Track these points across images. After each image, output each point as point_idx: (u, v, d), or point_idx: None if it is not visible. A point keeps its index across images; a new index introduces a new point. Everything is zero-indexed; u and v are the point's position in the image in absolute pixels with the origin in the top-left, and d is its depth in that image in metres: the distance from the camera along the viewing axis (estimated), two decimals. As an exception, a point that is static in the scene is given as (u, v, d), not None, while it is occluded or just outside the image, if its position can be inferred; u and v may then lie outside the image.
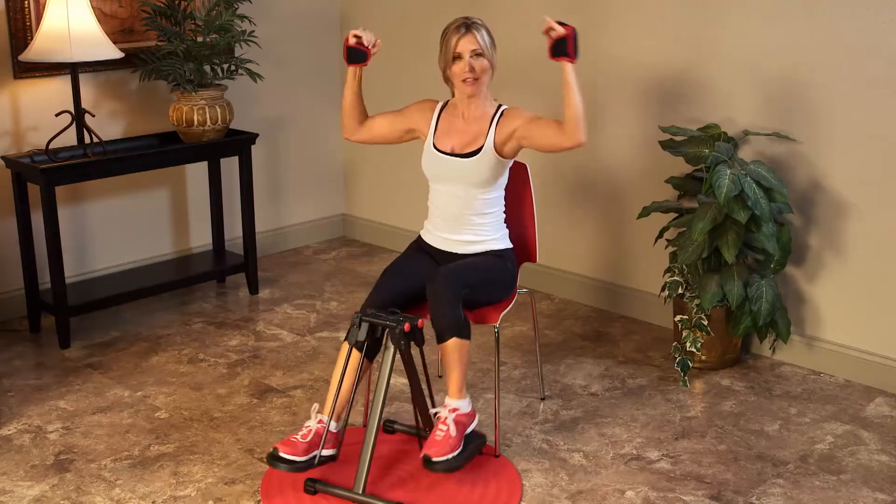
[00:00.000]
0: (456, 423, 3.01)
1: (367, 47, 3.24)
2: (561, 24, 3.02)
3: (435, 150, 3.28)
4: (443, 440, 2.96)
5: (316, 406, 3.08)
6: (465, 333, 3.04)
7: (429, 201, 3.38)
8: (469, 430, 3.07)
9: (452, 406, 3.04)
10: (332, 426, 3.04)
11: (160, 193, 4.77)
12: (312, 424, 3.03)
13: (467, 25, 3.19)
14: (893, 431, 3.42)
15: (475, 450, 3.07)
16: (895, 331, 3.68)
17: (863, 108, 3.60)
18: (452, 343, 3.02)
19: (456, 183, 3.26)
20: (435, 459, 2.91)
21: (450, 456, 2.93)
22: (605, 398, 3.66)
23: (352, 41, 3.24)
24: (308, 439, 2.99)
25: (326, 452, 3.02)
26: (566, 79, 3.06)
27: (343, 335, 4.21)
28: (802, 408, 3.58)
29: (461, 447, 2.99)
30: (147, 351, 4.06)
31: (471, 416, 3.09)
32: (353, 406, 3.45)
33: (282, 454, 2.95)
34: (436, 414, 3.06)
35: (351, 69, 3.31)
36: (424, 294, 3.19)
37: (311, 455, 2.97)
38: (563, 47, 3.02)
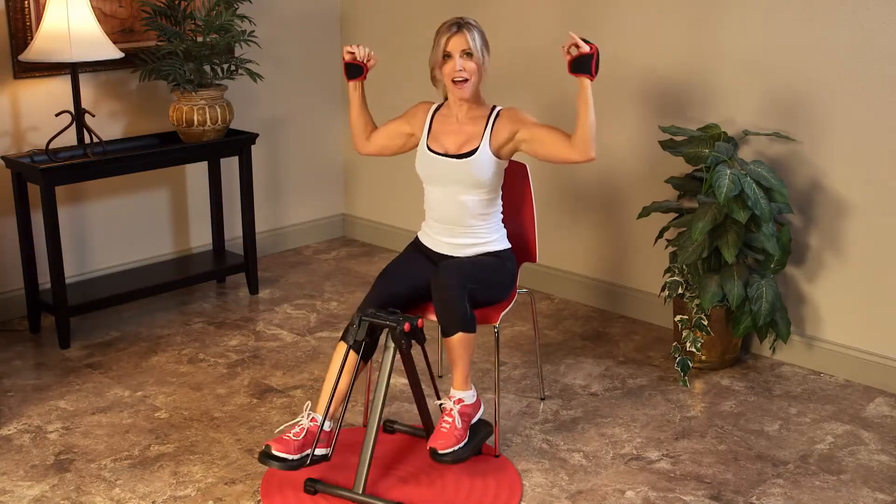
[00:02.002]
0: (461, 414, 3.05)
1: (362, 62, 3.32)
2: (585, 41, 3.03)
3: (428, 151, 3.27)
4: (448, 432, 2.99)
5: (308, 404, 3.07)
6: (470, 327, 3.05)
7: (424, 204, 3.36)
8: (475, 419, 3.12)
9: (458, 397, 3.07)
10: (326, 426, 3.01)
11: (160, 193, 4.77)
12: (305, 423, 2.99)
13: (459, 25, 3.16)
14: (893, 431, 3.42)
15: (483, 439, 3.13)
16: (895, 331, 3.68)
17: (863, 108, 3.60)
18: (458, 337, 3.03)
19: (450, 184, 3.24)
20: (441, 452, 2.96)
21: (456, 447, 2.98)
22: (605, 398, 3.66)
23: (347, 57, 3.33)
24: (301, 438, 2.96)
25: (319, 452, 2.99)
26: (584, 95, 3.07)
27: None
28: (802, 408, 3.58)
29: (467, 438, 3.03)
30: (147, 351, 4.06)
31: (476, 406, 3.14)
32: (349, 406, 3.47)
33: (275, 452, 2.91)
34: (441, 405, 3.09)
35: (351, 84, 3.39)
36: (422, 296, 3.19)
37: (303, 454, 2.96)
38: (585, 65, 3.05)
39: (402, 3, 4.99)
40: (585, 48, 3.01)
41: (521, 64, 4.49)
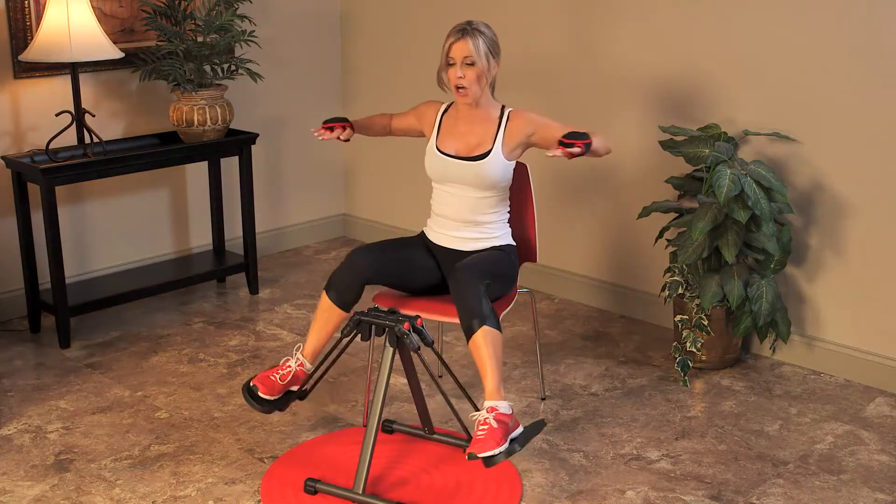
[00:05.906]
0: (497, 420, 2.83)
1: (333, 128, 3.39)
2: (575, 138, 2.98)
3: (438, 153, 3.28)
4: (485, 437, 2.78)
5: (299, 346, 3.19)
6: (495, 323, 2.95)
7: (432, 200, 3.37)
8: (514, 434, 2.88)
9: (490, 406, 2.87)
10: (308, 367, 3.17)
11: (160, 193, 4.77)
12: (293, 366, 3.15)
13: (465, 31, 3.16)
14: (893, 431, 3.42)
15: (531, 432, 2.94)
16: (895, 331, 3.68)
17: (863, 108, 3.60)
18: (484, 333, 2.91)
19: (462, 185, 3.26)
20: (480, 455, 2.75)
21: (495, 452, 2.76)
22: (605, 398, 3.66)
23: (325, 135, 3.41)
24: (286, 381, 3.13)
25: (292, 388, 3.17)
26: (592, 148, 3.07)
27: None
28: (802, 408, 3.58)
29: (507, 443, 2.81)
30: (147, 351, 4.06)
31: (512, 418, 2.90)
32: (350, 406, 3.47)
33: (260, 394, 3.09)
34: (473, 417, 2.90)
35: (344, 132, 3.43)
36: (408, 273, 3.25)
37: (283, 394, 3.13)
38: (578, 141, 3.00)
39: (403, 3, 4.99)
40: (577, 151, 2.97)
41: (524, 67, 4.49)
